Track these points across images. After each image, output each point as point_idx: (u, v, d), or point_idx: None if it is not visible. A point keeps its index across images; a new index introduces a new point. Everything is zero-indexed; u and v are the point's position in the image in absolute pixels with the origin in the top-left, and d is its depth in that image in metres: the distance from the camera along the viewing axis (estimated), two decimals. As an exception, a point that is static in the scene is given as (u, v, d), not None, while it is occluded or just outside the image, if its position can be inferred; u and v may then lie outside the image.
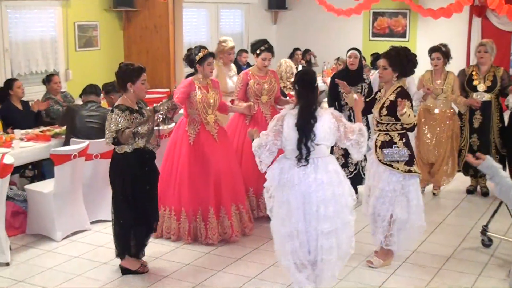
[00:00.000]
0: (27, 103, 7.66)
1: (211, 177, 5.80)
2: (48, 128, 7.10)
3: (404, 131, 5.22)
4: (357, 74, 6.89)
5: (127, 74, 4.97)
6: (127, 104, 4.95)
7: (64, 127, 6.77)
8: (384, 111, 5.22)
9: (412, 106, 5.23)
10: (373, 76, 7.10)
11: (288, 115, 4.42)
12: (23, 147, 6.34)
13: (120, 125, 4.80)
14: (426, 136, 7.18)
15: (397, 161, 5.15)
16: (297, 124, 4.35)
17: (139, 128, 4.79)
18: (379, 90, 5.49)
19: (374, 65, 10.44)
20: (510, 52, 10.29)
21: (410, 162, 5.18)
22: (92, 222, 6.35)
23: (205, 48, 5.87)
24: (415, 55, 5.35)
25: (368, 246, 5.65)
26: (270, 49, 6.42)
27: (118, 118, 4.83)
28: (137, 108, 5.05)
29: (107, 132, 4.88)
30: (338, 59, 11.07)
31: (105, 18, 9.62)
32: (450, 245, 5.90)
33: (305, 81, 4.49)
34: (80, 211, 6.20)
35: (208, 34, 11.41)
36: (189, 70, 10.57)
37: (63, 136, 6.69)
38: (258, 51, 6.40)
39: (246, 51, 10.62)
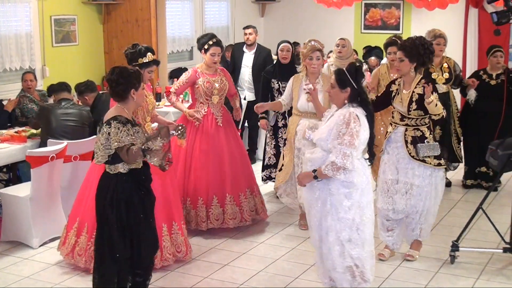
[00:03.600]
0: (0, 102, 7.38)
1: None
2: (23, 128, 6.91)
3: (430, 124, 5.18)
4: (289, 68, 6.69)
5: (131, 79, 4.11)
6: (125, 116, 4.11)
7: (39, 129, 6.57)
8: (414, 106, 5.11)
9: (438, 97, 5.12)
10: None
11: (361, 115, 4.27)
12: (-4, 148, 6.20)
13: (124, 142, 3.98)
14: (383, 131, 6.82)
15: (429, 156, 5.16)
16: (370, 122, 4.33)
17: (150, 144, 3.92)
18: (394, 82, 5.32)
19: (366, 59, 10.24)
20: (508, 44, 10.00)
21: (438, 155, 5.22)
22: (71, 228, 6.11)
23: (153, 52, 5.40)
24: (431, 43, 5.23)
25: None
26: (219, 43, 6.02)
27: (119, 133, 3.97)
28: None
29: (101, 149, 4.04)
30: (330, 52, 10.82)
31: (84, 12, 9.31)
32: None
33: (360, 76, 4.36)
34: (58, 216, 6.06)
35: (192, 28, 11.11)
36: (173, 66, 10.43)
37: (40, 137, 6.49)
38: (206, 46, 5.98)
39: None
